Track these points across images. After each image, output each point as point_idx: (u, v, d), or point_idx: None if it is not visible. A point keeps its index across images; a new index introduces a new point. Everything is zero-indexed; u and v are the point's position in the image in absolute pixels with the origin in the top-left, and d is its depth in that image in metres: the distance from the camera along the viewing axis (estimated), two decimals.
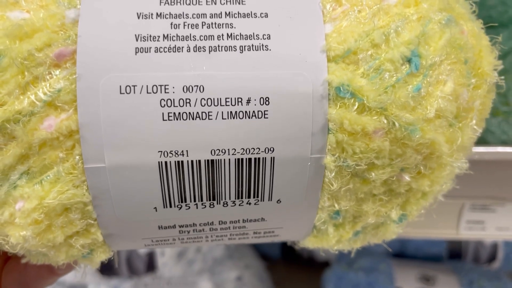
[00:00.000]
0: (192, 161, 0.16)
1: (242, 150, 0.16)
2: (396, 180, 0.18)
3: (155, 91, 0.16)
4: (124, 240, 0.19)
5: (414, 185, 0.18)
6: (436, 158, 0.18)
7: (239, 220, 0.18)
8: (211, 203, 0.18)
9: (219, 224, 0.18)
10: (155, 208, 0.17)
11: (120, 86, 0.16)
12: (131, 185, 0.17)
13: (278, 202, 0.18)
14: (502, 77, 0.20)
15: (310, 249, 0.68)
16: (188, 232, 0.19)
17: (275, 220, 0.19)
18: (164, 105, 0.16)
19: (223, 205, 0.18)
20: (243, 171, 0.17)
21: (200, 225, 0.18)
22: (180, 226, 0.18)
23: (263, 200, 0.18)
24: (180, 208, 0.17)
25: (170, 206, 0.17)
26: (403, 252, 0.67)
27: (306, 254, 0.69)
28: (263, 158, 0.17)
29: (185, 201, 0.17)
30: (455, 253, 0.65)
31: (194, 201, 0.17)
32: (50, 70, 0.16)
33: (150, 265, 0.58)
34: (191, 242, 0.20)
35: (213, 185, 0.17)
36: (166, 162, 0.16)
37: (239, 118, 0.16)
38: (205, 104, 0.16)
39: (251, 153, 0.17)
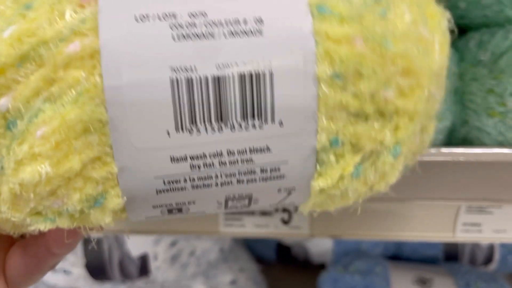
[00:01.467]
0: (200, 77, 0.19)
1: (244, 64, 0.19)
2: (383, 99, 0.20)
3: (165, 18, 0.19)
4: (137, 178, 0.20)
5: (399, 104, 0.20)
6: (413, 75, 0.21)
7: (245, 150, 0.20)
8: (220, 126, 0.19)
9: (228, 155, 0.20)
10: (168, 132, 0.19)
11: (135, 15, 0.19)
12: (145, 104, 0.19)
13: (281, 124, 0.20)
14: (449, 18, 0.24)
15: (306, 251, 0.68)
16: (199, 168, 0.20)
17: (279, 151, 0.20)
18: (173, 28, 0.19)
19: (230, 129, 0.19)
20: (246, 87, 0.19)
21: (209, 156, 0.20)
22: (191, 159, 0.20)
23: (267, 122, 0.20)
24: (191, 133, 0.19)
25: (182, 130, 0.19)
26: (399, 254, 0.67)
27: (301, 257, 0.69)
28: (262, 73, 0.19)
29: (196, 123, 0.19)
30: (451, 255, 0.64)
31: (204, 122, 0.19)
32: (75, 8, 0.19)
33: (143, 269, 0.58)
34: (202, 186, 0.21)
35: (220, 103, 0.19)
36: (177, 79, 0.19)
37: (239, 36, 0.19)
38: (208, 26, 0.19)
39: (252, 67, 0.19)
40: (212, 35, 0.19)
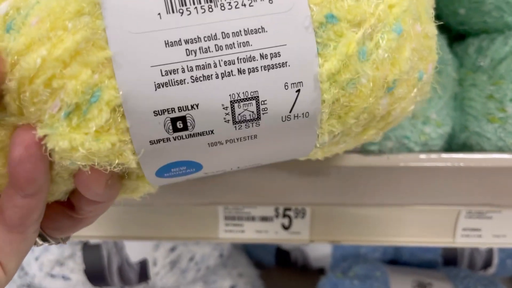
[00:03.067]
0: None
1: None
2: None
3: None
4: (133, 66, 0.20)
5: None
6: None
7: (240, 32, 0.20)
8: (209, 6, 0.20)
9: (223, 37, 0.20)
10: (159, 14, 0.20)
11: None
12: None
13: (270, 1, 0.20)
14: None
15: (305, 256, 0.68)
16: (195, 53, 0.20)
17: (275, 31, 0.21)
18: None
19: (220, 8, 0.20)
20: None
21: (204, 39, 0.20)
22: (185, 42, 0.20)
23: (256, 0, 0.20)
24: (182, 13, 0.20)
25: (173, 11, 0.20)
26: (398, 259, 0.67)
27: (300, 261, 0.69)
28: None
29: (185, 4, 0.20)
30: (450, 259, 0.64)
31: (193, 3, 0.20)
32: None
33: (142, 274, 0.57)
34: (202, 78, 0.20)
35: None
36: None
37: None
38: None
39: None
40: None
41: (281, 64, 0.21)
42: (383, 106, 0.23)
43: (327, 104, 0.22)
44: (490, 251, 0.64)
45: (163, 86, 0.20)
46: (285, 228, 0.43)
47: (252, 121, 0.22)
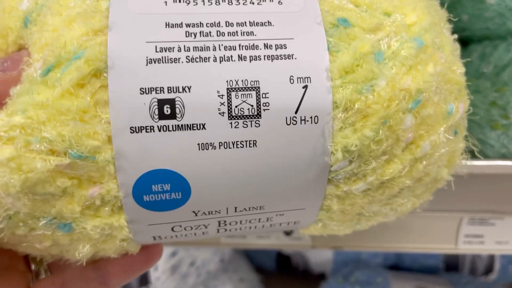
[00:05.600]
0: None
1: None
2: None
3: None
4: (127, 39, 0.19)
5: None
6: None
7: (245, 23, 0.20)
8: (217, 0, 0.20)
9: (226, 26, 0.20)
10: (165, 2, 0.20)
11: None
12: None
13: (279, 3, 0.20)
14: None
15: (306, 261, 0.68)
16: (195, 35, 0.19)
17: (283, 26, 0.20)
18: None
19: (228, 3, 0.20)
20: None
21: (207, 25, 0.20)
22: (187, 26, 0.19)
23: (265, 0, 0.20)
24: (188, 3, 0.20)
25: (179, 1, 0.20)
26: (399, 264, 0.66)
27: (301, 266, 0.69)
28: None
29: None
30: (452, 265, 0.64)
31: None
32: None
33: (143, 279, 0.57)
34: (198, 59, 0.19)
35: None
36: None
37: None
38: None
39: None
40: None
41: (286, 56, 0.19)
42: (406, 126, 0.19)
43: (340, 109, 0.19)
44: (491, 257, 0.64)
45: (155, 62, 0.19)
46: (287, 233, 0.43)
47: (251, 118, 0.19)
